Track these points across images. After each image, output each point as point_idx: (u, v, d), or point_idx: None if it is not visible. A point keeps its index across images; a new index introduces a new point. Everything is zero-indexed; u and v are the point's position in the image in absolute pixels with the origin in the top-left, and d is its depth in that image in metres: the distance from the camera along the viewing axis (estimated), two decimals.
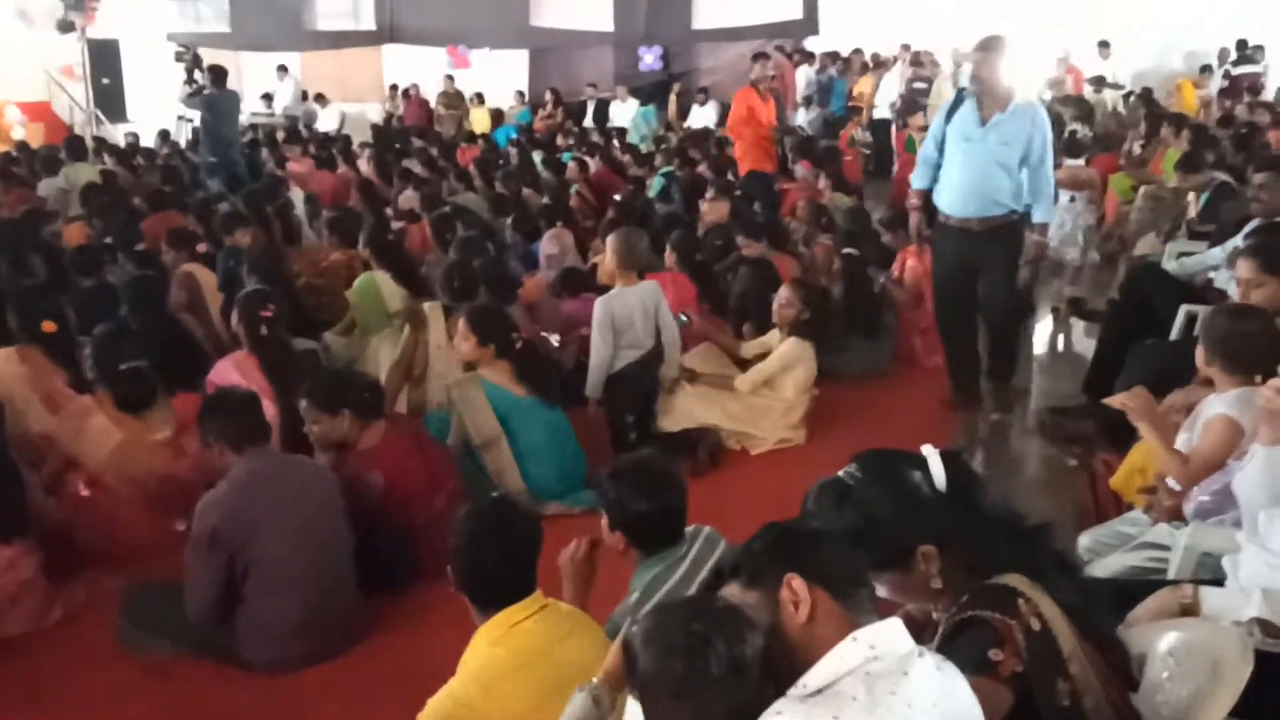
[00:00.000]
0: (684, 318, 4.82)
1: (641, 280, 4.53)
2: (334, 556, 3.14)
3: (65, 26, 13.52)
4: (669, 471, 2.48)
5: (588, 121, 13.78)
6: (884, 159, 11.06)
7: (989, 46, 4.51)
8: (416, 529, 3.39)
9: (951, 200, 4.60)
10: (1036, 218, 4.65)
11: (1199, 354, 2.94)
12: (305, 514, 3.06)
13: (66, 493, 3.58)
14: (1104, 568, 2.84)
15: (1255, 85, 12.06)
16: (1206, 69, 12.60)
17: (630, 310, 4.42)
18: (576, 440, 4.14)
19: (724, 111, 13.37)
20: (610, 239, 4.63)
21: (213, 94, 9.22)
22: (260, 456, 3.08)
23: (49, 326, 4.55)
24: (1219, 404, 2.82)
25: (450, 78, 14.47)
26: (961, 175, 4.55)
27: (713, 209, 6.53)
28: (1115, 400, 2.94)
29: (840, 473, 1.82)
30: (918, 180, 4.82)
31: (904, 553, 1.74)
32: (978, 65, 4.56)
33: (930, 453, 1.80)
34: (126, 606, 3.19)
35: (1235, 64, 12.34)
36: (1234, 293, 3.63)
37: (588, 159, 9.52)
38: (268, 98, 14.80)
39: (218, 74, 9.22)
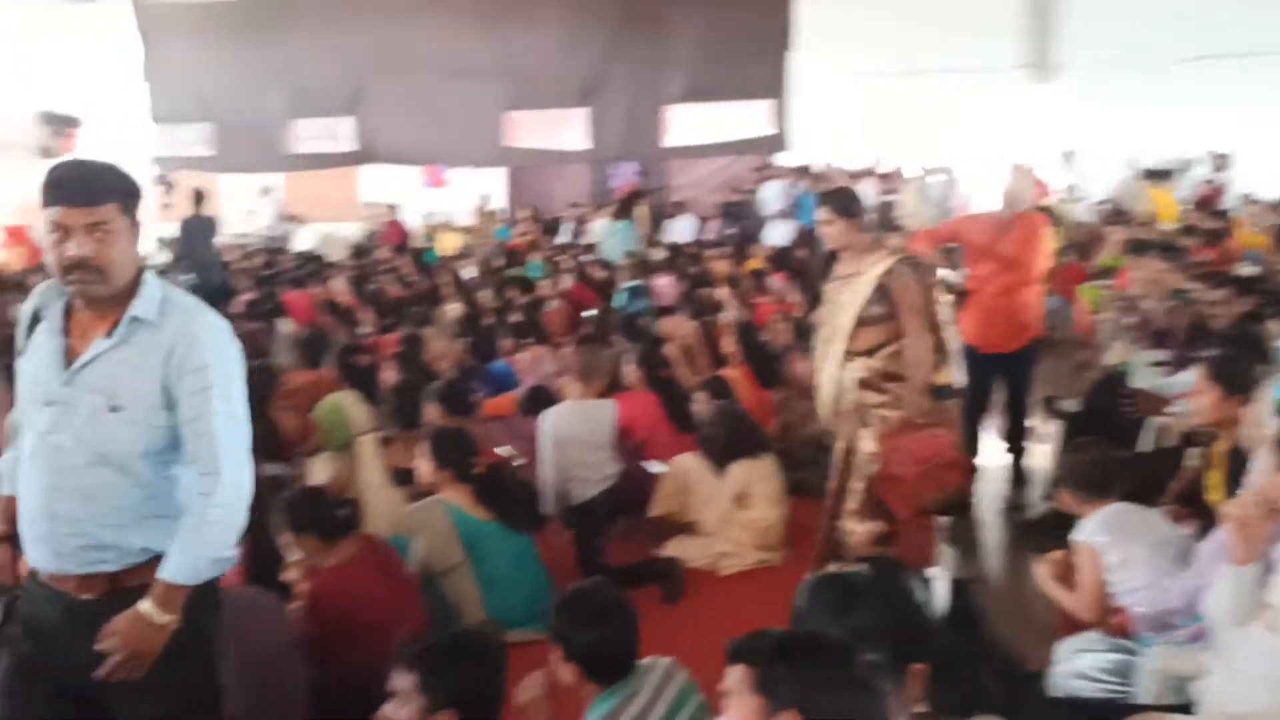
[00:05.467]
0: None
1: (603, 398, 4.55)
2: (285, 693, 3.05)
3: (45, 153, 13.71)
4: (617, 600, 2.46)
5: (565, 238, 13.97)
6: None
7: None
8: (379, 659, 3.29)
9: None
10: None
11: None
12: (256, 648, 2.99)
13: None
14: (1075, 669, 2.85)
15: (1216, 196, 12.36)
16: (1168, 175, 12.90)
17: (574, 427, 4.42)
18: (543, 565, 4.09)
19: (700, 226, 13.61)
20: (572, 354, 4.66)
21: (190, 217, 9.33)
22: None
23: None
24: (1081, 532, 3.09)
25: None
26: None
27: (677, 325, 6.57)
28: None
29: (846, 570, 1.81)
30: None
31: (894, 667, 1.71)
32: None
33: (938, 574, 1.79)
34: None
35: (1215, 172, 12.66)
36: None
37: (563, 274, 9.62)
38: (251, 216, 15.03)
39: (197, 196, 9.33)
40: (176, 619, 2.31)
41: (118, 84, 16.51)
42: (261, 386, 5.58)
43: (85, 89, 16.34)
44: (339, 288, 9.59)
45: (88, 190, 2.25)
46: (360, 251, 12.83)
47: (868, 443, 4.00)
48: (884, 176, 12.06)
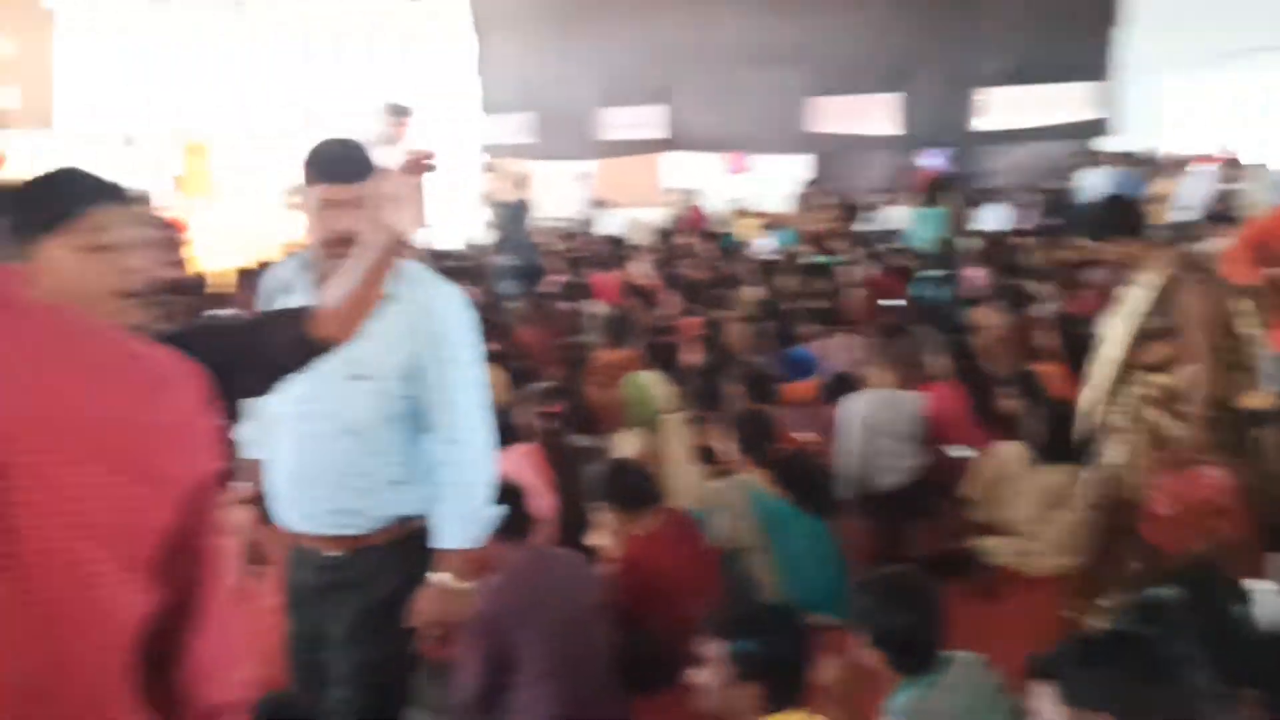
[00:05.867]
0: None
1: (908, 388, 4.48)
2: (593, 653, 3.21)
3: (384, 140, 14.94)
4: (926, 588, 2.42)
5: (867, 226, 13.75)
6: None
7: None
8: (679, 628, 3.41)
9: None
10: None
11: None
12: (567, 609, 3.17)
13: None
14: None
15: None
16: None
17: (878, 415, 4.35)
18: (839, 551, 4.08)
19: (1014, 214, 13.02)
20: (875, 342, 4.61)
21: (509, 202, 9.94)
22: (525, 549, 3.23)
23: None
24: None
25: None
26: None
27: (986, 317, 6.32)
28: None
29: (1155, 590, 1.72)
30: None
31: (1225, 693, 1.61)
32: None
33: (1262, 589, 1.66)
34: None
35: None
36: None
37: (865, 263, 9.49)
38: (562, 203, 15.83)
39: (518, 182, 9.94)
40: (473, 583, 2.45)
41: (455, 77, 17.81)
42: (572, 363, 5.90)
43: (425, 81, 17.71)
44: (642, 271, 9.90)
45: (352, 167, 2.36)
46: (663, 236, 13.18)
47: (1119, 456, 3.70)
48: (1226, 163, 11.04)
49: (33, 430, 1.15)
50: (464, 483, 2.44)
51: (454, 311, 2.49)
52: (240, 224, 12.17)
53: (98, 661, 1.20)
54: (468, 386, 2.46)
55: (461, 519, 2.44)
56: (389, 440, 2.44)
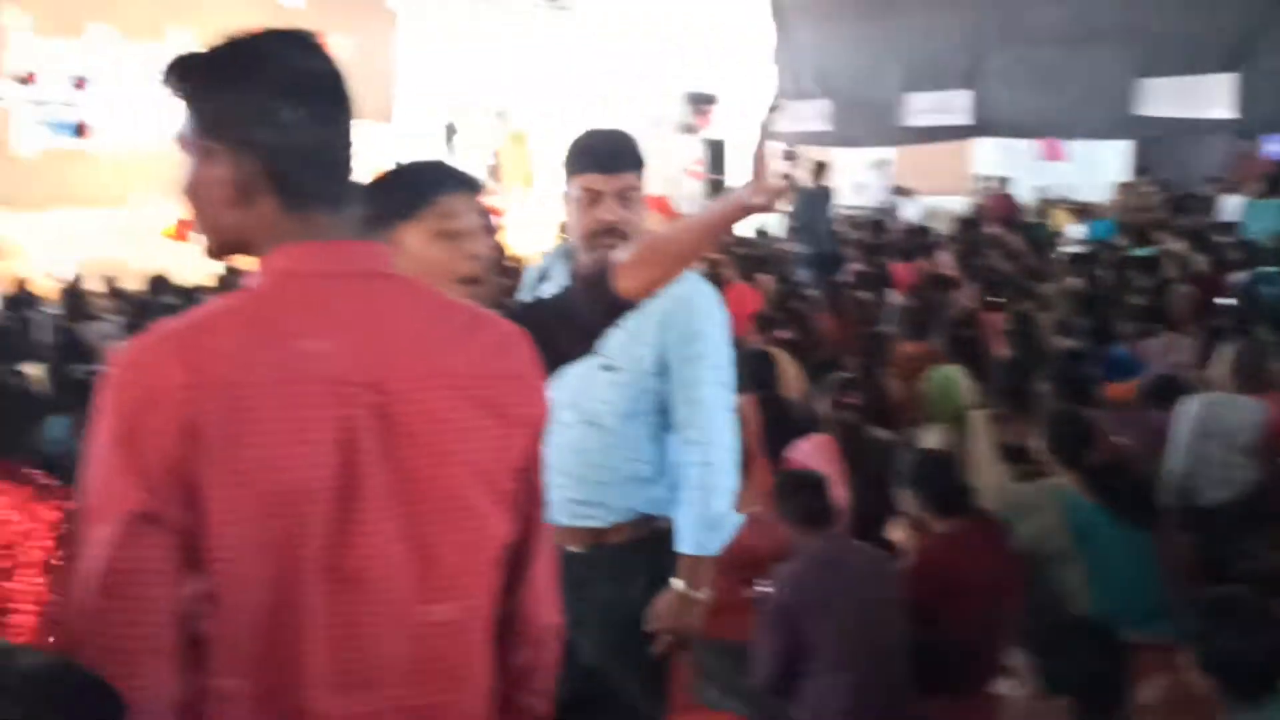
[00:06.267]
0: None
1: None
2: (888, 648, 3.17)
3: (685, 129, 15.31)
4: (1263, 608, 2.23)
5: (1197, 217, 12.71)
6: None
7: None
8: (977, 632, 3.31)
9: None
10: None
11: None
12: (862, 601, 3.14)
13: None
14: None
15: None
16: None
17: (1212, 423, 4.01)
18: (1158, 564, 3.81)
19: None
20: (1206, 345, 4.26)
21: (808, 189, 9.90)
22: (825, 539, 3.23)
23: None
24: None
25: None
26: None
27: None
28: None
29: None
30: None
31: None
32: None
33: None
34: (700, 660, 3.48)
35: None
36: None
37: (1194, 257, 8.78)
38: (861, 189, 15.65)
39: (819, 169, 9.88)
40: (710, 593, 2.38)
41: (752, 64, 17.96)
42: (871, 354, 5.82)
43: (724, 69, 17.97)
44: (945, 261, 9.62)
45: (618, 158, 2.33)
46: (967, 225, 12.74)
47: None
48: None
49: (418, 378, 1.31)
50: (704, 486, 2.36)
51: (708, 309, 2.43)
52: (556, 212, 12.85)
53: (473, 585, 1.37)
54: (715, 386, 2.39)
55: (700, 524, 2.36)
56: (632, 435, 2.40)
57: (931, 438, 4.58)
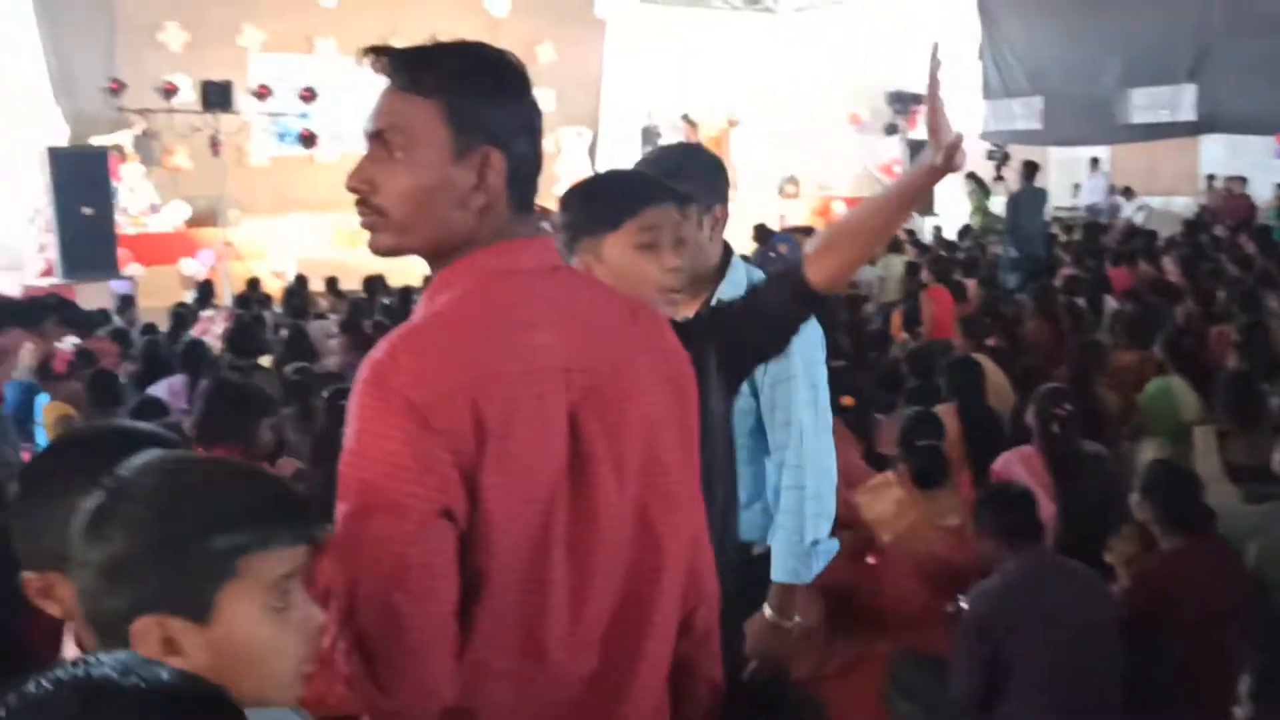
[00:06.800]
0: None
1: None
2: (1098, 672, 3.02)
3: (890, 130, 14.99)
4: None
5: None
6: None
7: None
8: (1200, 656, 3.11)
9: None
10: None
11: None
12: (1068, 622, 3.00)
13: (858, 559, 3.92)
14: None
15: None
16: None
17: None
18: None
19: None
20: None
21: (1018, 190, 9.52)
22: (1029, 555, 3.09)
23: (847, 401, 5.02)
24: None
25: None
26: None
27: None
28: None
29: None
30: None
31: None
32: None
33: None
34: (895, 674, 3.40)
35: None
36: None
37: None
38: (1077, 187, 14.98)
39: (1029, 169, 9.49)
40: (798, 621, 2.28)
41: (956, 62, 17.44)
42: (1084, 362, 5.54)
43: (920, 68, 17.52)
44: (1169, 266, 9.08)
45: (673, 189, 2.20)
46: (1193, 228, 11.98)
47: None
48: None
49: (616, 360, 1.40)
50: (799, 512, 2.26)
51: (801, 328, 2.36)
52: (746, 213, 12.83)
53: (677, 556, 1.46)
54: (809, 408, 2.28)
55: (793, 553, 2.27)
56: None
57: (1149, 452, 4.33)
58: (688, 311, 2.11)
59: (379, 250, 1.41)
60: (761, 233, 10.96)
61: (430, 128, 1.33)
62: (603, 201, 1.81)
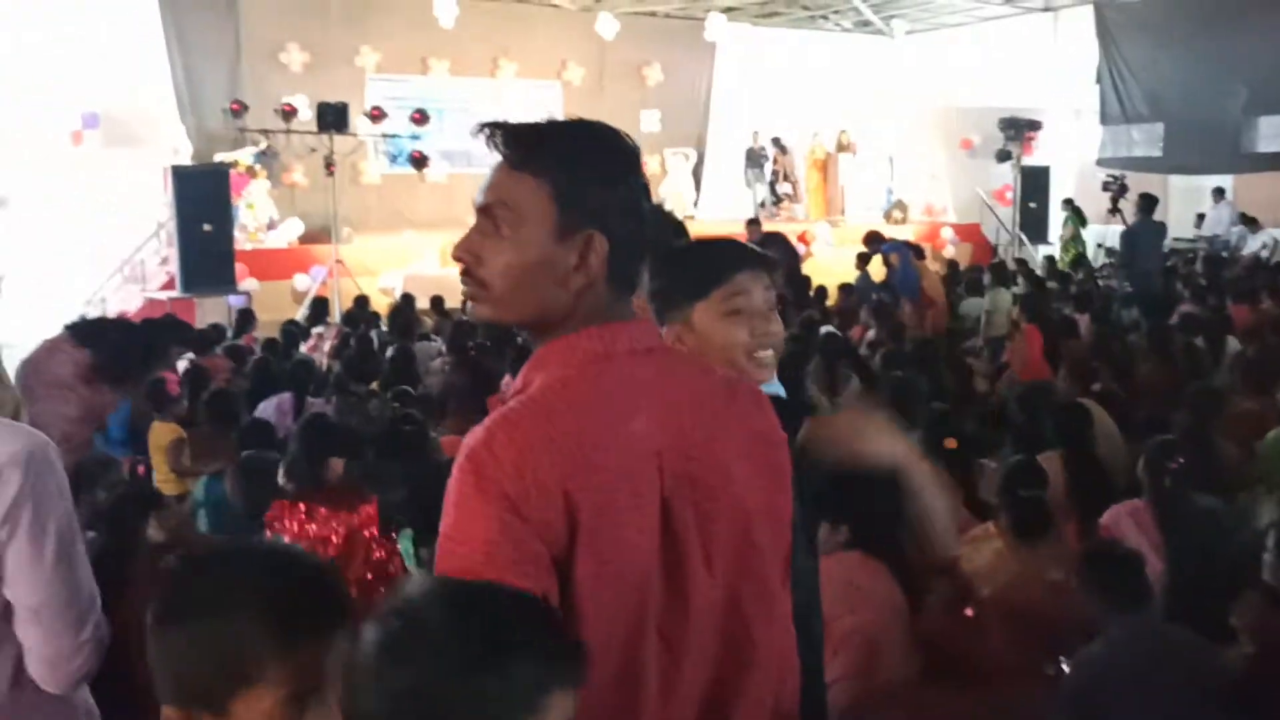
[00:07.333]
0: None
1: None
2: None
3: (1003, 156, 14.67)
4: None
5: None
6: None
7: None
8: None
9: None
10: None
11: None
12: (1177, 693, 2.85)
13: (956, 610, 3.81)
14: None
15: None
16: None
17: None
18: None
19: None
20: None
21: (1134, 224, 9.22)
22: (1134, 621, 2.96)
23: (950, 444, 4.89)
24: None
25: None
26: None
27: None
28: None
29: None
30: None
31: None
32: None
33: None
34: None
35: None
36: None
37: None
38: (1201, 217, 14.50)
39: (1146, 202, 9.18)
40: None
41: (1073, 89, 17.05)
42: (1200, 409, 5.31)
43: (1042, 94, 17.15)
44: None
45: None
46: None
47: None
48: None
49: (709, 444, 1.40)
50: None
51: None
52: (853, 238, 12.70)
53: (766, 649, 1.45)
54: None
55: None
56: None
57: (1270, 508, 4.12)
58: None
59: (479, 319, 1.46)
60: (872, 238, 10.86)
61: (537, 207, 1.34)
62: (692, 269, 1.80)
